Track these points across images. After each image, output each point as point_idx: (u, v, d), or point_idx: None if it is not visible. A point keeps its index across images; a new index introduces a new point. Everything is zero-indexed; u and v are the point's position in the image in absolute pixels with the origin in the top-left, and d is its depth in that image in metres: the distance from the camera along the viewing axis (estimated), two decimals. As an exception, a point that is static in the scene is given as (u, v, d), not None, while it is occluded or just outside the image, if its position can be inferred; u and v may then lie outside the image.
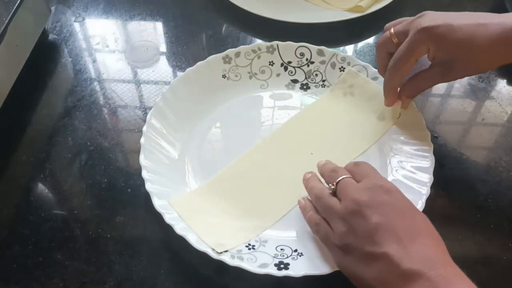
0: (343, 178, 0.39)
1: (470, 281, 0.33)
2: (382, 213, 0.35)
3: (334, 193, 0.40)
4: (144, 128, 0.49)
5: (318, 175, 0.44)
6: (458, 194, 0.48)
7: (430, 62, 0.47)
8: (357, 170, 0.40)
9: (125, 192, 0.49)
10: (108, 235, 0.45)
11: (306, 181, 0.44)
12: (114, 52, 0.63)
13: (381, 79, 0.53)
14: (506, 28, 0.41)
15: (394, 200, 0.37)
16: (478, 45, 0.42)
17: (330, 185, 0.40)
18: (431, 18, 0.44)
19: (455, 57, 0.44)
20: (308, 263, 0.41)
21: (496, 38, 0.41)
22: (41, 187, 0.49)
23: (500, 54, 0.43)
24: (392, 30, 0.47)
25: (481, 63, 0.45)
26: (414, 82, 0.48)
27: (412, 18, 0.46)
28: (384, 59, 0.49)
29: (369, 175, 0.39)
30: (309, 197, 0.43)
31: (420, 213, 0.37)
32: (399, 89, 0.49)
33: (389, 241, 0.34)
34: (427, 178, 0.45)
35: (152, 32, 0.66)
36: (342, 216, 0.37)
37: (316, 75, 0.57)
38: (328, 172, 0.42)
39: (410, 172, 0.47)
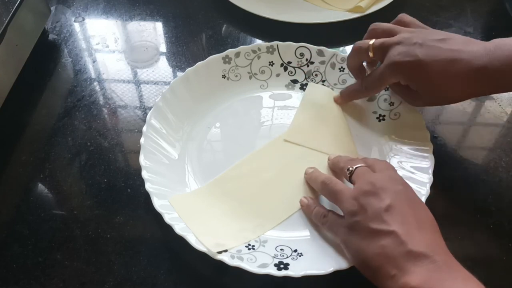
0: (361, 165, 0.42)
1: (466, 270, 0.35)
2: (395, 199, 0.38)
3: (348, 178, 0.42)
4: (144, 128, 0.49)
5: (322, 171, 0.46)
6: (458, 194, 0.48)
7: None
8: (375, 164, 0.43)
9: (125, 192, 0.49)
10: (108, 235, 0.45)
11: (309, 174, 0.47)
12: (114, 52, 0.63)
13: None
14: (472, 67, 0.43)
15: (406, 191, 0.39)
16: (445, 83, 0.44)
17: (349, 167, 0.43)
18: (405, 50, 0.45)
19: (423, 90, 0.46)
20: (308, 263, 0.41)
21: (464, 76, 0.43)
22: (41, 187, 0.49)
23: (467, 91, 0.45)
24: (371, 42, 0.48)
25: (448, 97, 0.47)
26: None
27: (396, 28, 0.48)
28: (356, 63, 0.51)
29: (387, 169, 0.42)
30: (310, 197, 0.45)
31: (426, 208, 0.39)
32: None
33: (398, 223, 0.36)
34: (427, 178, 0.45)
35: (152, 32, 0.66)
36: (354, 196, 0.39)
37: (316, 75, 0.57)
38: (345, 160, 0.45)
39: (410, 173, 0.47)
